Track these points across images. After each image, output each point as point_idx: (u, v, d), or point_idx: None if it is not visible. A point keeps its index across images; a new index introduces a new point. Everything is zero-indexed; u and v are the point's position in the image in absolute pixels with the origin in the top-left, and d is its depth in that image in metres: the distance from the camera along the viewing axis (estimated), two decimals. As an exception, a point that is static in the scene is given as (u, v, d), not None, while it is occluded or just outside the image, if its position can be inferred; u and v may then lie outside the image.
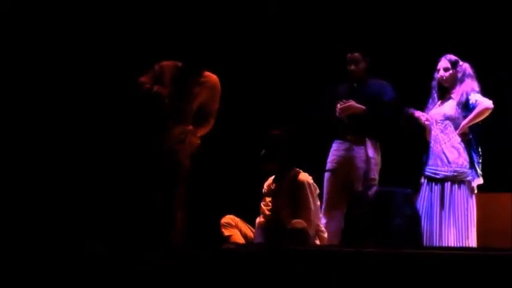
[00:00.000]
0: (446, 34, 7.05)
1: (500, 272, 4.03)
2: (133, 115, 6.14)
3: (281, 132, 6.05)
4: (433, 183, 6.07)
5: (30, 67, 7.00)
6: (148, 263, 4.37)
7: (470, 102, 6.02)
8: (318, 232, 5.94)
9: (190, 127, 5.88)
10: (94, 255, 4.51)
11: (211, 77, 6.00)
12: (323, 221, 6.15)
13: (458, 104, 6.06)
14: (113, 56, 7.04)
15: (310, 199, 5.86)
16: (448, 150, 6.05)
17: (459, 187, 6.00)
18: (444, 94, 6.18)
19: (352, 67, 6.38)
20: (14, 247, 4.85)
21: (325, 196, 6.30)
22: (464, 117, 6.03)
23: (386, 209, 5.48)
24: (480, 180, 6.04)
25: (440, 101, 6.19)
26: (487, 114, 6.01)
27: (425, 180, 6.12)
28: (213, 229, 6.06)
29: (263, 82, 7.46)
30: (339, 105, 6.29)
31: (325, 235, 5.99)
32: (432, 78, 6.20)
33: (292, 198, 5.88)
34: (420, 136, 6.22)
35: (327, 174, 6.39)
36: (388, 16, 7.31)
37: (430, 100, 6.23)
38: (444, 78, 6.14)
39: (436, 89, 6.20)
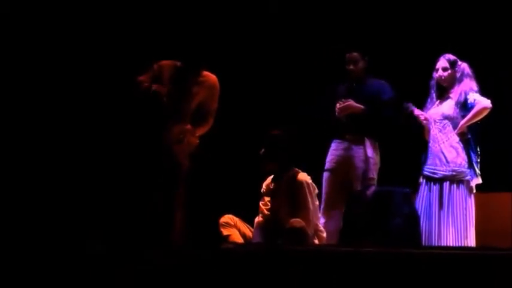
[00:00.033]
0: (445, 34, 7.05)
1: (500, 272, 4.03)
2: (132, 115, 6.14)
3: (281, 132, 6.05)
4: (432, 183, 6.08)
5: (30, 67, 7.01)
6: (148, 263, 4.37)
7: (469, 101, 6.02)
8: (316, 232, 5.94)
9: (189, 126, 5.88)
10: (94, 255, 4.51)
11: (210, 76, 6.00)
12: (322, 220, 6.16)
13: (457, 103, 6.07)
14: (112, 56, 7.04)
15: (309, 199, 5.86)
16: (446, 149, 6.05)
17: (458, 187, 6.01)
18: (443, 94, 6.19)
19: (351, 67, 6.39)
20: (14, 247, 4.84)
21: (323, 196, 6.31)
22: (463, 116, 6.04)
23: (385, 208, 5.48)
24: (479, 180, 6.04)
25: (438, 101, 6.19)
26: (485, 113, 6.01)
27: (424, 180, 6.13)
28: (212, 229, 6.06)
29: (263, 82, 7.46)
30: (338, 104, 6.30)
31: (324, 235, 5.99)
32: (431, 77, 6.21)
33: (291, 197, 5.89)
34: (419, 136, 6.22)
35: (325, 174, 6.40)
36: (387, 16, 7.31)
37: (429, 100, 6.23)
38: (443, 78, 6.14)
39: (434, 88, 6.21)
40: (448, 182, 6.01)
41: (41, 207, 6.63)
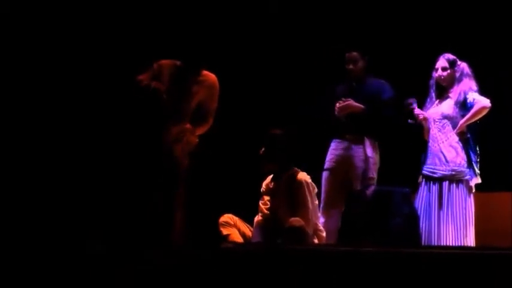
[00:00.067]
0: (445, 33, 7.05)
1: (499, 271, 4.03)
2: (132, 114, 6.15)
3: (280, 132, 6.05)
4: (431, 183, 6.08)
5: (30, 67, 7.01)
6: (148, 263, 4.37)
7: (468, 101, 6.03)
8: (316, 231, 5.94)
9: (188, 126, 5.89)
10: (94, 255, 4.51)
11: (210, 76, 6.00)
12: (321, 220, 6.16)
13: (456, 103, 6.07)
14: (112, 55, 7.04)
15: (308, 198, 5.86)
16: (446, 149, 6.06)
17: (457, 186, 6.01)
18: (442, 93, 6.19)
19: (351, 66, 6.39)
20: (14, 247, 4.85)
21: (323, 195, 6.31)
22: (462, 116, 6.04)
23: (385, 208, 5.48)
24: (478, 180, 6.04)
25: (438, 100, 6.19)
26: (484, 113, 6.01)
27: (424, 180, 6.13)
28: (212, 228, 6.07)
29: (263, 82, 7.46)
30: (337, 104, 6.30)
31: (324, 234, 6.00)
32: (430, 77, 6.21)
33: (290, 197, 5.89)
34: (418, 135, 6.22)
35: (325, 173, 6.40)
36: (387, 15, 7.31)
37: (428, 99, 6.23)
38: (442, 77, 6.14)
39: (434, 88, 6.21)
40: (447, 182, 6.02)
41: (41, 207, 6.63)
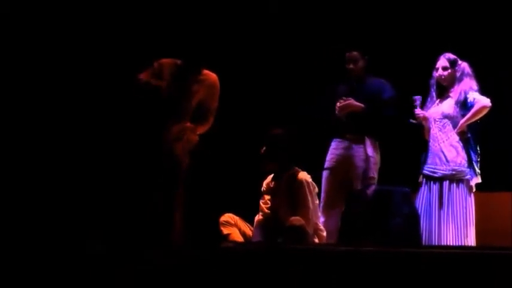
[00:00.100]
0: (445, 33, 7.05)
1: (500, 271, 4.02)
2: (132, 113, 6.15)
3: (281, 132, 6.06)
4: (432, 182, 6.07)
5: (30, 67, 7.01)
6: (148, 263, 4.37)
7: (469, 100, 6.03)
8: (316, 231, 5.95)
9: (189, 124, 5.89)
10: (94, 255, 4.51)
11: (210, 75, 6.01)
12: (321, 219, 6.16)
13: (457, 102, 6.07)
14: (113, 54, 7.04)
15: (309, 198, 5.86)
16: (446, 148, 6.05)
17: (457, 186, 6.01)
18: (443, 93, 6.19)
19: (351, 66, 6.39)
20: (14, 247, 4.84)
21: (323, 195, 6.30)
22: (463, 115, 6.04)
23: (385, 208, 5.47)
24: (478, 179, 6.04)
25: (438, 100, 6.19)
26: (484, 112, 6.01)
27: (424, 179, 6.12)
28: (212, 228, 6.07)
29: (263, 82, 7.46)
30: (338, 103, 6.30)
31: (324, 234, 6.00)
32: (431, 76, 6.21)
33: (290, 196, 5.89)
34: (419, 135, 6.22)
35: (325, 173, 6.39)
36: (387, 15, 7.31)
37: (429, 99, 6.23)
38: (443, 77, 6.14)
39: (434, 87, 6.21)
40: (447, 181, 6.01)
41: (41, 207, 6.62)
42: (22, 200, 6.65)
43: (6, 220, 6.27)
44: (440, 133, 6.10)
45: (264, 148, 6.02)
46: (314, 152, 6.48)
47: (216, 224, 6.04)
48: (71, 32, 7.10)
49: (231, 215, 6.09)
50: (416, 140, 6.23)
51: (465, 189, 6.01)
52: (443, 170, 6.03)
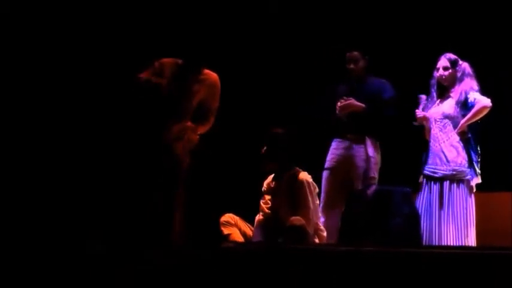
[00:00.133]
0: (446, 33, 7.05)
1: (500, 271, 4.02)
2: (133, 113, 6.14)
3: (281, 132, 6.06)
4: (432, 182, 6.07)
5: (30, 66, 7.01)
6: (148, 263, 4.37)
7: (469, 100, 6.03)
8: (317, 231, 5.95)
9: (189, 123, 5.88)
10: (94, 255, 4.51)
11: (211, 75, 6.01)
12: (321, 219, 6.16)
13: (457, 103, 6.07)
14: (113, 54, 7.04)
15: (309, 198, 5.86)
16: (447, 149, 6.05)
17: (458, 186, 6.01)
18: (443, 93, 6.19)
19: (352, 66, 6.39)
20: (14, 247, 4.84)
21: (323, 195, 6.30)
22: (463, 116, 6.03)
23: (385, 208, 5.47)
24: (478, 179, 6.04)
25: (439, 100, 6.19)
26: (485, 112, 6.01)
27: (425, 179, 6.12)
28: (213, 228, 6.06)
29: (263, 82, 7.46)
30: (339, 103, 6.30)
31: (324, 234, 6.00)
32: (431, 76, 6.21)
33: (291, 196, 5.89)
34: (420, 135, 6.22)
35: (325, 173, 6.39)
36: (387, 15, 7.32)
37: (429, 99, 6.23)
38: (443, 77, 6.14)
39: (435, 87, 6.21)
40: (448, 182, 6.01)
41: (41, 207, 6.62)
42: (22, 200, 6.65)
43: (7, 220, 6.27)
44: (441, 133, 6.10)
45: (265, 148, 6.02)
46: (314, 152, 6.48)
47: (217, 224, 6.04)
48: (71, 32, 7.10)
49: (231, 215, 6.09)
50: (417, 140, 6.23)
51: (465, 189, 6.01)
52: (443, 170, 6.03)
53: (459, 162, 6.01)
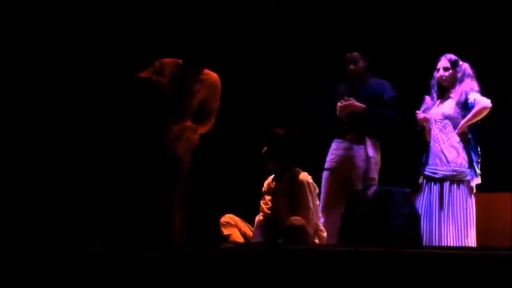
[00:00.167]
0: (446, 34, 7.05)
1: (500, 272, 4.02)
2: (133, 113, 6.14)
3: (282, 132, 6.06)
4: (432, 183, 6.07)
5: (30, 66, 7.01)
6: (148, 263, 4.37)
7: (469, 101, 6.02)
8: (317, 231, 5.95)
9: (189, 123, 5.88)
10: (94, 255, 4.51)
11: (212, 75, 6.01)
12: (321, 220, 6.16)
13: (458, 103, 6.07)
14: (114, 54, 7.04)
15: (310, 198, 5.86)
16: (447, 149, 6.05)
17: (458, 186, 6.00)
18: (443, 93, 6.18)
19: (352, 66, 6.39)
20: (14, 247, 4.84)
21: (322, 195, 6.30)
22: (463, 116, 6.03)
23: (385, 208, 5.47)
24: (479, 180, 6.03)
25: (439, 101, 6.19)
26: (485, 113, 6.01)
27: (425, 180, 6.12)
28: (213, 228, 6.06)
29: (263, 82, 7.46)
30: (339, 103, 6.30)
31: (325, 234, 5.99)
32: (431, 77, 6.20)
33: (291, 197, 5.89)
34: (420, 135, 6.22)
35: (325, 173, 6.39)
36: (388, 15, 7.31)
37: (427, 99, 6.23)
38: (444, 77, 6.14)
39: (435, 88, 6.21)
40: (448, 182, 6.00)
41: (41, 207, 6.62)
42: (22, 200, 6.65)
43: (7, 220, 6.27)
44: (441, 134, 6.09)
45: (265, 148, 6.02)
46: (314, 152, 6.48)
47: (217, 224, 6.04)
48: (72, 32, 7.10)
49: (231, 215, 6.09)
50: (417, 140, 6.23)
51: (466, 190, 6.00)
52: (443, 171, 6.03)
53: (459, 162, 6.01)
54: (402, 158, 6.64)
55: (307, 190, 5.87)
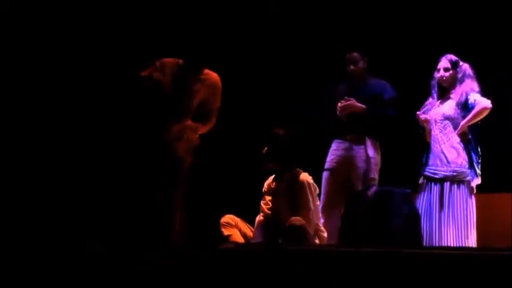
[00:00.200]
0: (446, 34, 7.05)
1: (500, 272, 4.02)
2: (133, 113, 6.14)
3: (282, 132, 6.06)
4: (433, 183, 6.06)
5: (30, 65, 7.01)
6: (148, 263, 4.37)
7: (469, 102, 6.02)
8: (317, 232, 5.95)
9: (190, 122, 5.88)
10: (94, 255, 4.51)
11: (212, 74, 6.01)
12: (321, 220, 6.16)
13: (458, 104, 6.06)
14: (114, 54, 7.04)
15: (310, 199, 5.87)
16: (447, 150, 6.04)
17: (458, 187, 6.00)
18: (443, 94, 6.18)
19: (352, 67, 6.39)
20: (14, 247, 4.84)
21: (322, 196, 6.29)
22: (463, 117, 6.03)
23: (386, 208, 5.48)
24: (479, 180, 6.03)
25: (439, 101, 6.19)
26: (485, 114, 6.01)
27: (425, 180, 6.11)
28: (213, 228, 6.07)
29: (264, 82, 7.46)
30: (339, 103, 6.30)
31: (325, 234, 6.00)
32: (432, 77, 6.20)
33: (292, 197, 5.89)
34: (420, 136, 6.22)
35: (325, 174, 6.39)
36: (388, 16, 7.31)
37: (430, 99, 6.23)
38: (444, 78, 6.14)
39: (435, 88, 6.20)
40: (448, 183, 6.00)
41: (41, 207, 6.62)
42: (22, 200, 6.65)
43: (7, 220, 6.27)
44: (441, 134, 6.09)
45: (265, 148, 6.02)
46: (314, 152, 6.48)
47: (217, 225, 6.04)
48: (72, 32, 7.10)
49: (231, 216, 6.09)
50: (417, 140, 6.23)
51: (466, 190, 5.99)
52: (444, 171, 6.02)
53: (459, 163, 6.01)
54: (402, 158, 6.65)
55: (308, 190, 5.87)
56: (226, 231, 6.01)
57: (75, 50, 7.08)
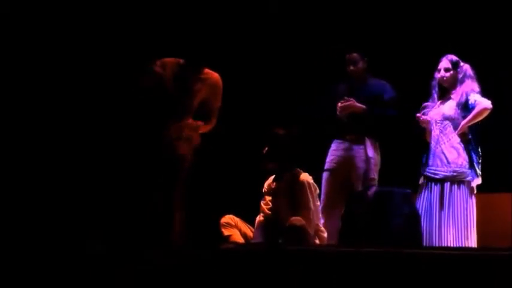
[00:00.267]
0: (446, 34, 7.05)
1: (500, 272, 4.02)
2: (133, 113, 6.14)
3: (282, 132, 6.06)
4: (433, 184, 6.06)
5: (30, 65, 7.01)
6: (148, 263, 4.37)
7: (470, 102, 6.02)
8: (317, 232, 5.95)
9: (190, 121, 5.88)
10: (94, 255, 4.51)
11: (212, 74, 6.01)
12: (321, 220, 6.16)
13: (458, 104, 6.06)
14: (115, 54, 7.04)
15: (310, 199, 5.87)
16: (447, 150, 6.04)
17: (458, 187, 5.99)
18: (444, 94, 6.18)
19: (351, 67, 6.40)
20: (14, 247, 4.84)
21: (322, 196, 6.30)
22: (464, 117, 6.02)
23: (386, 208, 5.48)
24: (479, 180, 6.03)
25: (440, 101, 6.18)
26: (485, 114, 6.00)
27: (425, 181, 6.11)
28: (213, 229, 6.07)
29: (264, 82, 7.46)
30: (339, 103, 6.30)
31: (325, 235, 6.00)
32: (432, 78, 6.20)
33: (292, 197, 5.89)
34: (420, 136, 6.22)
35: (325, 174, 6.39)
36: (388, 16, 7.32)
37: (430, 100, 6.23)
38: (444, 78, 6.14)
39: (436, 89, 6.20)
40: (448, 183, 5.99)
41: (41, 207, 6.62)
42: (22, 200, 6.65)
43: (7, 220, 6.27)
44: (442, 135, 6.09)
45: (266, 148, 6.02)
46: (314, 152, 6.48)
47: (217, 225, 6.04)
48: (72, 32, 7.10)
49: (231, 216, 6.09)
50: (417, 140, 6.23)
51: (466, 190, 5.99)
52: (444, 172, 6.02)
53: (460, 163, 6.00)
54: (402, 159, 6.65)
55: (308, 190, 5.87)
56: (226, 232, 6.01)
57: (76, 49, 7.07)
